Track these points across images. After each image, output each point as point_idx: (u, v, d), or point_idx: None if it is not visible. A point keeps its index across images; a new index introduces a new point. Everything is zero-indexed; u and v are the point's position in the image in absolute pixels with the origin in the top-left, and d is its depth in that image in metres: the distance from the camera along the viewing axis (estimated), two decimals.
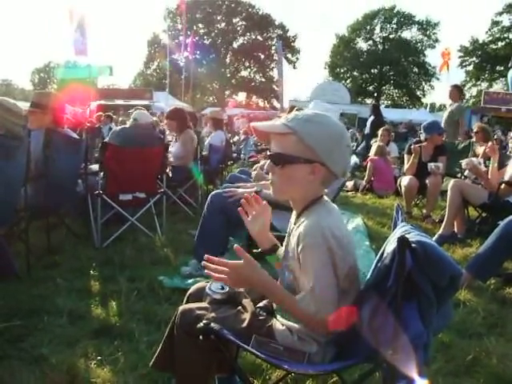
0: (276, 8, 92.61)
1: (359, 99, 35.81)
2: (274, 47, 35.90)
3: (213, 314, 1.19)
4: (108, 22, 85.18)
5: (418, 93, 38.78)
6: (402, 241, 1.00)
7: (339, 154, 1.16)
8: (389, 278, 1.03)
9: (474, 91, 34.01)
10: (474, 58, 34.11)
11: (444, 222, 3.61)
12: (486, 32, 33.45)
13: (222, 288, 1.27)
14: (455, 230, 3.70)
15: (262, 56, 39.75)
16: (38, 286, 2.39)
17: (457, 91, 6.37)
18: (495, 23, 33.01)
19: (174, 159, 4.26)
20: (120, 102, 18.04)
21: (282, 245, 1.36)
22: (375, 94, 38.33)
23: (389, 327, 1.03)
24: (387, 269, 1.05)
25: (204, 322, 1.11)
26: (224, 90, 39.85)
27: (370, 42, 38.78)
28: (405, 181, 4.42)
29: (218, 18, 39.77)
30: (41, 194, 2.73)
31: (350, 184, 6.39)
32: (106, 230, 3.25)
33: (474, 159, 3.74)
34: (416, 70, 37.94)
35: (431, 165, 4.21)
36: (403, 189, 4.45)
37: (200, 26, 38.99)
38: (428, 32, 37.46)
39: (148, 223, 3.45)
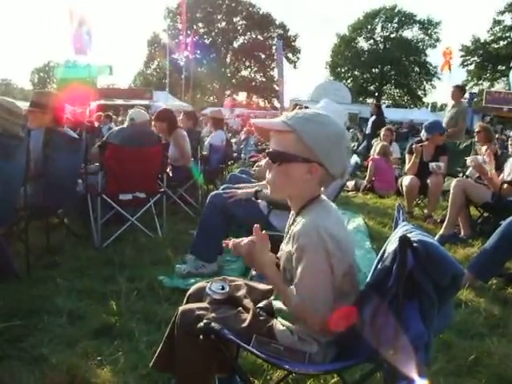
0: (276, 7, 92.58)
1: (360, 99, 35.80)
2: (274, 47, 35.89)
3: (213, 314, 1.19)
4: (108, 21, 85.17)
5: (420, 92, 38.78)
6: (404, 240, 1.00)
7: (337, 155, 1.15)
8: (390, 277, 1.03)
9: (475, 91, 33.98)
10: (476, 58, 34.08)
11: (446, 222, 3.60)
12: (488, 31, 33.47)
13: (223, 288, 1.27)
14: (461, 231, 3.68)
15: (263, 55, 39.77)
16: (38, 286, 2.39)
17: (459, 91, 6.37)
18: (497, 22, 32.98)
19: (173, 161, 4.23)
20: (120, 101, 18.06)
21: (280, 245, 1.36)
22: (376, 94, 38.33)
23: (390, 327, 1.02)
24: (388, 268, 1.04)
25: (204, 321, 1.11)
26: (224, 90, 39.86)
27: (371, 42, 38.78)
28: (406, 180, 4.41)
29: (219, 17, 39.80)
30: (40, 194, 2.73)
31: (350, 184, 6.38)
32: (105, 230, 3.25)
33: (479, 157, 3.72)
34: (417, 69, 37.94)
35: (432, 164, 4.20)
36: (404, 188, 4.44)
37: (200, 25, 39.03)
38: (429, 31, 37.46)
39: (148, 223, 3.45)
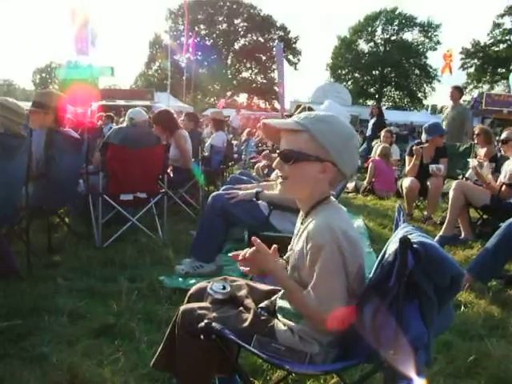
0: (277, 9, 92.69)
1: (360, 101, 35.80)
2: (275, 48, 36.02)
3: (214, 314, 1.19)
4: (110, 22, 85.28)
5: (420, 95, 38.81)
6: (404, 241, 1.00)
7: (349, 155, 1.17)
8: (390, 278, 1.03)
9: (475, 93, 34.01)
10: (476, 60, 34.13)
11: (445, 223, 3.60)
12: (488, 34, 33.55)
13: (224, 288, 1.27)
14: (462, 234, 3.68)
15: (264, 57, 39.80)
16: (39, 285, 2.39)
17: (457, 92, 6.39)
18: (497, 25, 33.05)
19: (174, 162, 4.23)
20: (121, 102, 18.05)
21: (281, 246, 1.36)
22: (376, 96, 38.36)
23: (390, 328, 1.03)
24: (389, 269, 1.05)
25: (205, 321, 1.11)
26: (225, 91, 39.89)
27: (372, 44, 38.83)
28: (406, 182, 4.41)
29: (220, 19, 39.85)
30: (42, 194, 2.74)
31: (350, 185, 6.38)
32: (106, 230, 3.26)
33: (476, 161, 3.74)
34: (417, 71, 37.98)
35: (432, 166, 4.21)
36: (404, 190, 4.44)
37: (201, 27, 39.08)
38: (429, 34, 37.51)
39: (149, 223, 3.45)
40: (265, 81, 40.40)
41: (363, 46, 39.16)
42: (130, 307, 2.17)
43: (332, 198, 1.22)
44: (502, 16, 32.52)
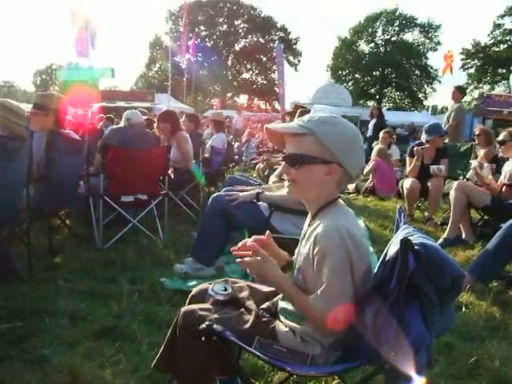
0: (278, 10, 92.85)
1: (361, 102, 35.80)
2: (275, 49, 36.08)
3: (215, 315, 1.19)
4: (110, 23, 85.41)
5: (420, 95, 38.77)
6: (405, 243, 1.00)
7: (355, 155, 1.17)
8: (391, 279, 1.03)
9: (475, 94, 34.01)
10: (476, 61, 34.11)
11: (449, 225, 3.59)
12: (488, 35, 33.50)
13: (225, 289, 1.28)
14: (463, 235, 3.68)
15: (264, 58, 39.85)
16: (40, 287, 2.39)
17: (459, 92, 6.41)
18: (497, 26, 33.03)
19: (175, 163, 4.23)
20: (122, 104, 18.07)
21: (282, 247, 1.36)
22: (377, 97, 38.35)
23: (391, 329, 1.03)
24: (390, 271, 1.05)
25: (206, 323, 1.12)
26: (226, 93, 39.93)
27: (372, 45, 38.83)
28: (407, 183, 4.40)
29: (220, 20, 39.90)
30: (42, 196, 2.74)
31: (351, 186, 6.38)
32: (107, 232, 3.26)
33: (485, 165, 3.75)
34: (418, 72, 37.95)
35: (433, 167, 4.21)
36: (405, 191, 4.43)
37: (202, 28, 39.13)
38: (430, 35, 37.50)
39: (150, 225, 3.46)
40: (265, 82, 40.43)
41: (364, 46, 39.20)
42: (131, 309, 2.16)
43: (340, 200, 1.22)
44: (502, 16, 32.51)
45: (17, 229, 2.75)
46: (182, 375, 1.27)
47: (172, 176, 4.14)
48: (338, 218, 1.14)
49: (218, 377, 1.42)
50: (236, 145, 10.36)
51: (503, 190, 3.42)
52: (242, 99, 42.08)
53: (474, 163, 3.75)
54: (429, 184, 4.26)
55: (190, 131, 4.89)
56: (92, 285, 2.48)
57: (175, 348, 1.26)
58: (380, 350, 1.04)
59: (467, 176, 4.38)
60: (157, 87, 29.71)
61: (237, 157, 8.66)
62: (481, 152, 4.61)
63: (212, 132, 6.18)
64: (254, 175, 6.78)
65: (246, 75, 41.79)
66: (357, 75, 39.04)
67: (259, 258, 1.19)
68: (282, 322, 1.22)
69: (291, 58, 39.25)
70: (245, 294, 1.35)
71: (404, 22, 37.79)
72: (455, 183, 3.68)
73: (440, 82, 35.08)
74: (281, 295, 1.29)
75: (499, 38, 33.10)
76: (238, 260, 1.21)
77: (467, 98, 29.46)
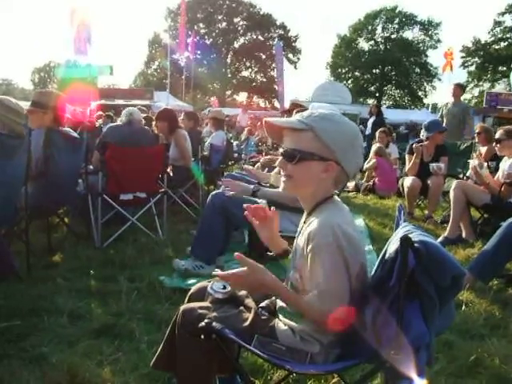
0: (277, 8, 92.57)
1: (360, 99, 35.78)
2: (274, 47, 36.02)
3: (214, 314, 1.19)
4: (109, 21, 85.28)
5: (420, 93, 38.76)
6: (405, 240, 1.00)
7: (353, 154, 1.16)
8: (391, 277, 1.03)
9: (476, 92, 34.01)
10: (476, 59, 34.08)
11: (450, 224, 3.59)
12: (489, 32, 33.47)
13: (224, 287, 1.27)
14: (463, 233, 3.68)
15: (263, 56, 39.76)
16: (39, 285, 2.39)
17: (459, 89, 6.40)
18: (497, 23, 32.98)
19: (174, 161, 4.23)
20: (120, 101, 18.02)
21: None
22: (377, 95, 38.33)
23: (391, 327, 1.02)
24: (390, 269, 1.04)
25: (206, 321, 1.11)
26: (225, 90, 39.88)
27: (372, 42, 38.77)
28: (408, 181, 4.38)
29: (219, 17, 39.81)
30: (41, 194, 2.73)
31: (351, 184, 6.39)
32: (106, 230, 3.25)
33: (485, 164, 3.75)
34: (418, 70, 37.92)
35: (433, 165, 4.20)
36: (406, 189, 4.41)
37: (201, 25, 39.04)
38: (430, 32, 37.46)
39: (149, 223, 3.45)
40: (264, 79, 40.37)
41: (363, 44, 39.15)
42: (130, 307, 2.16)
43: (336, 197, 1.21)
44: (502, 14, 32.46)
45: (15, 227, 2.74)
46: (181, 373, 1.27)
47: (171, 174, 4.13)
48: (332, 215, 1.13)
49: (218, 375, 1.42)
50: (235, 143, 10.35)
51: (502, 188, 3.41)
52: (242, 97, 42.07)
53: (472, 162, 3.74)
54: (429, 182, 4.26)
55: (189, 129, 4.88)
56: (91, 283, 2.48)
57: (174, 346, 1.25)
58: (380, 348, 1.04)
59: (467, 174, 4.38)
60: (155, 85, 29.63)
61: (236, 155, 8.64)
62: (481, 150, 4.61)
63: (211, 130, 6.17)
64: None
65: (245, 73, 41.77)
66: (356, 73, 39.01)
67: (246, 268, 1.13)
68: (281, 320, 1.21)
69: (291, 55, 39.17)
70: (244, 291, 1.34)
71: (404, 19, 37.73)
72: (454, 182, 3.68)
73: (440, 79, 35.06)
74: None
75: (499, 36, 33.06)
76: (219, 274, 1.16)
77: (467, 96, 29.47)
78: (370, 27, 38.38)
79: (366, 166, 6.48)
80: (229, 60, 40.70)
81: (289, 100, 17.08)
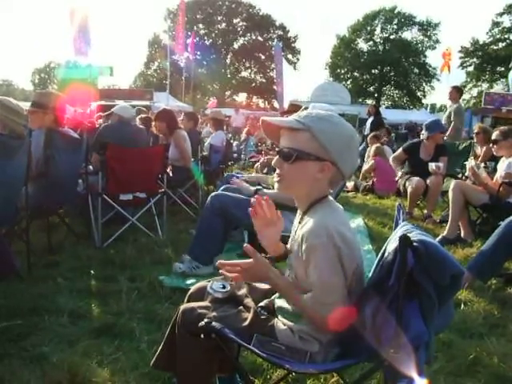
0: (276, 8, 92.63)
1: (360, 100, 35.81)
2: (274, 48, 36.03)
3: (214, 313, 1.19)
4: (108, 22, 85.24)
5: (419, 93, 38.79)
6: (404, 239, 1.00)
7: (349, 155, 1.17)
8: (390, 276, 1.03)
9: (474, 92, 34.04)
10: (475, 59, 34.12)
11: (448, 224, 3.59)
12: (487, 33, 33.51)
13: (224, 287, 1.27)
14: (462, 233, 3.68)
15: (263, 57, 39.77)
16: (39, 285, 2.39)
17: (456, 92, 6.41)
18: (496, 24, 33.02)
19: (173, 161, 4.23)
20: (120, 102, 17.99)
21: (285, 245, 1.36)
22: (376, 95, 38.35)
23: (390, 326, 1.02)
24: (389, 268, 1.05)
25: (205, 320, 1.11)
26: (224, 91, 39.87)
27: (371, 43, 38.79)
28: (412, 182, 4.34)
29: (219, 18, 39.82)
30: (41, 194, 2.73)
31: (350, 185, 6.40)
32: (106, 230, 3.25)
33: (482, 165, 3.77)
34: (416, 70, 37.95)
35: (432, 164, 4.21)
36: (410, 189, 4.37)
37: (200, 26, 39.05)
38: (428, 33, 37.50)
39: (148, 223, 3.46)
40: (264, 80, 40.37)
41: (362, 45, 39.17)
42: (130, 307, 2.16)
43: (330, 197, 1.21)
44: (501, 14, 32.51)
45: (16, 227, 2.74)
46: (181, 373, 1.28)
47: (171, 174, 4.14)
48: (327, 216, 1.13)
49: (218, 374, 1.42)
50: (235, 143, 10.35)
51: (501, 188, 3.42)
52: (241, 97, 42.09)
53: (469, 163, 3.75)
54: (428, 181, 4.26)
55: (189, 129, 4.88)
56: (91, 283, 2.49)
57: (174, 346, 1.26)
58: (379, 348, 1.04)
59: (466, 174, 4.39)
60: (155, 86, 29.60)
61: (235, 155, 8.65)
62: (478, 150, 4.63)
63: (211, 130, 6.18)
64: (253, 173, 6.78)
65: (244, 73, 41.76)
66: (355, 73, 39.03)
67: (251, 260, 1.15)
68: (280, 320, 1.22)
69: (290, 56, 39.17)
70: (243, 291, 1.35)
71: (402, 20, 37.76)
72: (453, 182, 3.69)
73: (439, 80, 35.08)
74: (278, 293, 1.29)
75: (498, 36, 33.10)
76: (221, 271, 1.17)
77: (466, 97, 29.49)
78: (368, 28, 38.41)
79: (364, 167, 6.51)
80: (228, 60, 40.70)
81: (288, 100, 17.10)
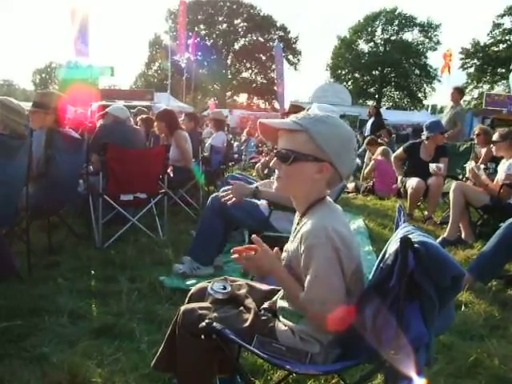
0: (277, 9, 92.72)
1: (360, 101, 35.82)
2: (274, 48, 36.05)
3: (215, 314, 1.19)
4: (109, 22, 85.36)
5: (420, 95, 38.82)
6: (405, 241, 1.00)
7: (347, 156, 1.17)
8: (391, 278, 1.03)
9: (475, 93, 34.06)
10: (476, 60, 34.15)
11: (449, 226, 3.59)
12: (488, 34, 33.54)
13: (224, 288, 1.27)
14: (462, 234, 3.68)
15: (264, 57, 39.81)
16: (39, 285, 2.39)
17: (457, 93, 6.40)
18: (496, 25, 33.05)
19: (174, 162, 4.24)
20: (121, 102, 18.01)
21: (283, 247, 1.36)
22: (376, 96, 38.37)
23: (391, 328, 1.02)
24: (389, 269, 1.05)
25: (206, 321, 1.11)
26: (225, 92, 39.91)
27: (372, 44, 38.84)
28: (413, 182, 4.33)
29: (220, 19, 39.86)
30: (42, 194, 2.73)
31: (350, 186, 6.40)
32: (107, 230, 3.25)
33: (481, 166, 3.77)
34: (417, 71, 37.99)
35: (432, 165, 4.20)
36: (410, 190, 4.37)
37: (201, 27, 39.09)
38: (429, 34, 37.53)
39: (149, 224, 3.45)
40: (265, 81, 40.41)
41: (363, 46, 39.22)
42: (131, 307, 2.16)
43: (328, 198, 1.22)
44: (501, 16, 32.54)
45: (16, 227, 2.74)
46: (182, 374, 1.27)
47: (171, 175, 4.14)
48: (325, 216, 1.14)
49: (218, 375, 1.42)
50: (236, 144, 10.36)
51: (502, 190, 3.42)
52: (242, 98, 42.12)
53: (469, 165, 3.75)
54: (428, 182, 4.26)
55: (190, 130, 4.89)
56: (91, 283, 2.49)
57: (175, 347, 1.26)
58: (379, 349, 1.04)
59: (467, 175, 4.38)
60: (156, 86, 29.63)
61: (236, 156, 8.65)
62: (480, 151, 4.63)
63: (212, 131, 6.18)
64: (254, 174, 6.79)
65: (245, 74, 41.81)
66: (356, 74, 39.07)
67: (259, 251, 1.19)
68: (281, 321, 1.22)
69: (291, 57, 39.23)
70: (244, 292, 1.35)
71: (403, 21, 37.80)
72: (453, 184, 3.69)
73: (439, 81, 35.10)
74: (279, 294, 1.29)
75: (499, 38, 33.12)
76: (234, 257, 1.21)
77: (467, 98, 29.48)
78: (369, 29, 38.44)
79: (365, 170, 6.51)
80: (229, 61, 40.73)
81: (289, 101, 17.12)
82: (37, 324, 1.97)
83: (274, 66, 37.03)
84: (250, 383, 1.25)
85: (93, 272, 2.65)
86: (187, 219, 4.09)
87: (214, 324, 1.11)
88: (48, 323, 1.98)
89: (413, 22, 37.70)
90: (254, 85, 40.73)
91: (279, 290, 1.31)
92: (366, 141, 7.26)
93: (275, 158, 1.20)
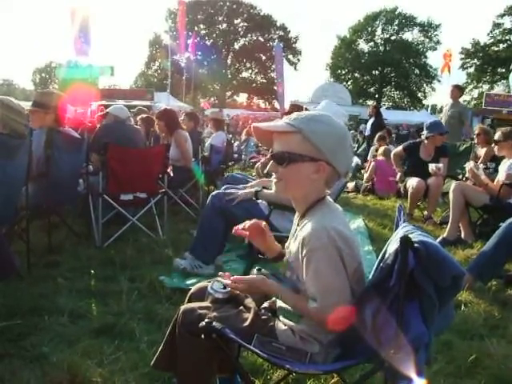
0: (277, 9, 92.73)
1: (360, 101, 35.83)
2: (274, 48, 36.03)
3: (215, 313, 1.19)
4: (109, 22, 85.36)
5: (419, 94, 38.85)
6: (405, 240, 1.00)
7: (343, 153, 1.17)
8: (391, 277, 1.03)
9: (475, 93, 34.07)
10: (476, 60, 34.17)
11: (449, 225, 3.59)
12: (488, 34, 33.58)
13: (224, 287, 1.27)
14: (462, 234, 3.68)
15: (264, 57, 39.80)
16: (39, 285, 2.39)
17: (457, 91, 6.41)
18: (496, 25, 33.07)
19: (174, 162, 4.24)
20: (121, 102, 18.01)
21: (283, 245, 1.36)
22: (376, 96, 38.36)
23: (390, 327, 1.03)
24: (389, 269, 1.05)
25: (206, 320, 1.11)
26: (225, 91, 39.90)
27: (372, 44, 38.85)
28: (413, 182, 4.33)
29: (220, 18, 39.85)
30: (42, 194, 2.73)
31: (351, 185, 6.40)
32: (106, 230, 3.25)
33: (481, 165, 3.77)
34: (417, 71, 38.01)
35: (432, 165, 4.20)
36: (410, 190, 4.35)
37: (201, 26, 39.09)
38: (429, 34, 37.56)
39: (149, 223, 3.45)
40: (265, 81, 40.40)
41: (363, 45, 39.25)
42: (130, 307, 2.16)
43: (328, 197, 1.22)
44: (501, 16, 32.56)
45: (16, 226, 2.74)
46: (182, 373, 1.28)
47: (171, 174, 4.14)
48: (326, 217, 1.13)
49: (218, 375, 1.42)
50: (235, 143, 10.35)
51: (501, 189, 3.42)
52: (242, 98, 42.12)
53: (468, 165, 3.75)
54: (428, 182, 4.26)
55: (190, 129, 4.89)
56: (91, 283, 2.49)
57: (174, 346, 1.26)
58: (379, 348, 1.04)
59: (467, 175, 4.38)
60: (156, 86, 29.64)
61: (236, 155, 8.64)
62: (481, 151, 4.62)
63: (212, 130, 6.18)
64: (253, 174, 6.78)
65: (245, 74, 41.81)
66: (356, 74, 39.08)
67: (249, 279, 1.24)
68: (281, 320, 1.22)
69: (291, 56, 39.21)
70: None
71: (403, 21, 37.82)
72: (453, 184, 3.69)
73: (439, 81, 35.15)
74: None
75: (499, 38, 33.15)
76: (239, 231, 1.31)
77: (467, 98, 29.48)
78: (369, 29, 38.45)
79: (366, 174, 6.51)
80: (229, 61, 40.72)
81: (289, 101, 17.10)
82: (37, 323, 1.97)
83: (273, 66, 37.00)
84: (249, 383, 1.25)
85: (93, 271, 2.65)
86: (187, 219, 4.09)
87: (214, 323, 1.11)
88: (48, 323, 1.98)
89: (413, 22, 37.72)
90: (254, 85, 40.72)
91: None
92: (376, 136, 7.24)
93: (271, 162, 1.19)
